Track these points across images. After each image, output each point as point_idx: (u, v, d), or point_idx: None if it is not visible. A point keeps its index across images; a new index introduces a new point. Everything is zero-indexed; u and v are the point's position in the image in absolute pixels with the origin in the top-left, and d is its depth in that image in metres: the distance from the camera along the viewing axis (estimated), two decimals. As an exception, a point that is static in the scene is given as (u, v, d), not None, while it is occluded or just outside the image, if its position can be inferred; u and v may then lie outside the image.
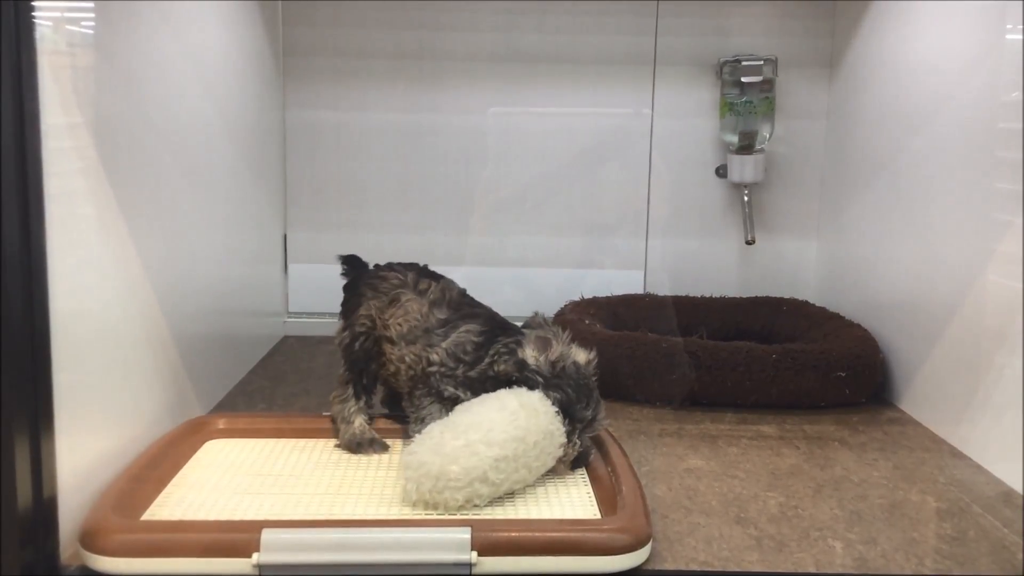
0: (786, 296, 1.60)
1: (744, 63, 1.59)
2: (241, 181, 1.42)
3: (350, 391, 1.08)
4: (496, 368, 0.99)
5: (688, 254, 1.69)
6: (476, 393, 0.99)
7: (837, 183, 1.60)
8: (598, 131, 1.67)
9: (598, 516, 0.88)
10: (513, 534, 0.81)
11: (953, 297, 1.16)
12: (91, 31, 0.89)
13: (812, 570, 0.84)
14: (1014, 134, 1.03)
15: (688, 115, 1.66)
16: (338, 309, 1.68)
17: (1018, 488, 1.02)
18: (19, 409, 0.74)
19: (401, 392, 1.07)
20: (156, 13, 1.06)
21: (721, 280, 1.68)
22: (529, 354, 0.98)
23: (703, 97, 1.65)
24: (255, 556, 0.77)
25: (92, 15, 0.90)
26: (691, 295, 1.62)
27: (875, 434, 1.20)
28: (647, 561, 0.82)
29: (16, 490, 0.74)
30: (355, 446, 1.04)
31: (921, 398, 1.25)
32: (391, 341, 1.05)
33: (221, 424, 1.09)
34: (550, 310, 1.51)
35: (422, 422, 0.98)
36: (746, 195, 1.63)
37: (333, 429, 1.08)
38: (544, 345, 0.98)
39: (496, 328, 1.03)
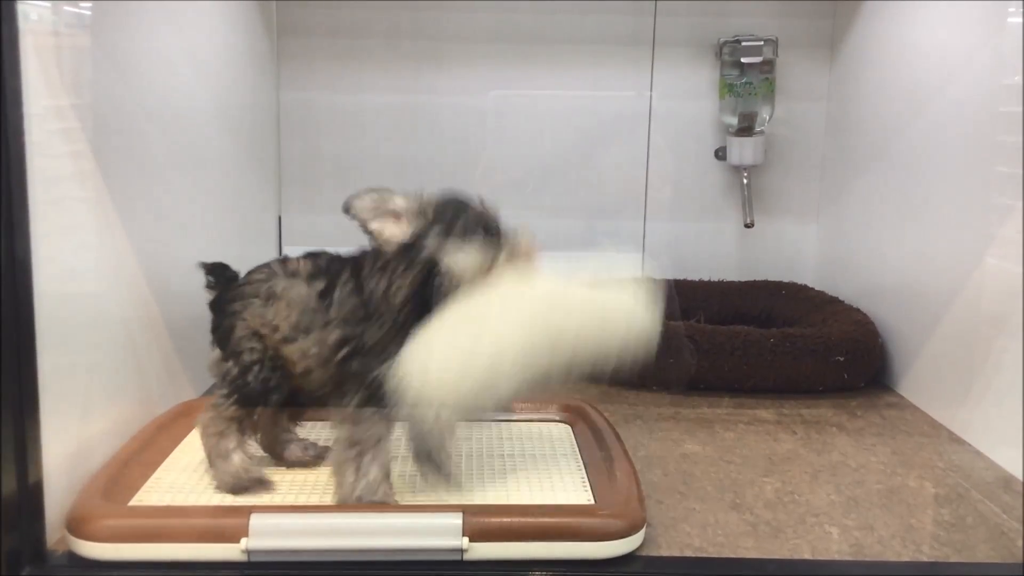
0: (785, 280, 1.59)
1: (744, 43, 1.57)
2: (235, 163, 1.40)
3: (233, 427, 0.89)
4: (394, 301, 0.84)
5: (687, 237, 1.68)
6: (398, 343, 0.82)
7: (837, 166, 1.58)
8: (597, 113, 1.66)
9: (592, 502, 0.87)
10: (505, 520, 0.80)
11: (953, 281, 1.15)
12: (88, 11, 0.88)
13: (808, 556, 0.83)
14: (1015, 118, 1.02)
15: (687, 96, 1.64)
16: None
17: (1017, 474, 1.01)
18: (4, 392, 0.73)
19: (319, 396, 0.90)
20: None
21: (720, 263, 1.66)
22: (386, 237, 0.84)
23: (703, 78, 1.63)
24: (244, 541, 0.77)
25: (88, -2, 0.89)
26: (690, 279, 1.61)
27: (873, 419, 1.19)
28: (641, 547, 0.81)
29: (1, 475, 0.73)
30: (238, 488, 0.89)
31: (920, 383, 1.24)
32: (288, 340, 0.88)
33: (212, 408, 1.08)
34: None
35: (353, 438, 0.85)
36: (745, 178, 1.62)
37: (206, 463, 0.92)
38: (386, 224, 0.85)
39: (359, 264, 0.88)
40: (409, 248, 0.85)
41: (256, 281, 0.91)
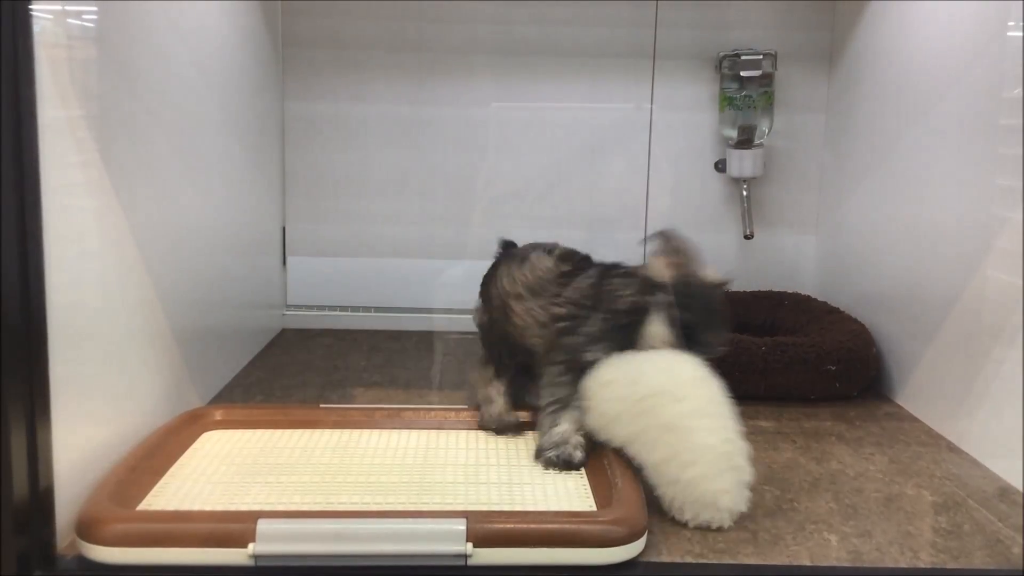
0: (785, 290, 1.60)
1: (743, 57, 1.59)
2: (240, 173, 1.42)
3: (491, 371, 1.09)
4: (619, 305, 1.00)
5: (687, 248, 1.69)
6: (609, 346, 0.98)
7: (836, 177, 1.60)
8: (598, 125, 1.67)
9: (594, 508, 0.88)
10: (509, 525, 0.81)
11: (951, 292, 1.16)
12: (92, 24, 0.89)
13: (807, 563, 0.84)
14: (1014, 131, 1.03)
15: (687, 109, 1.66)
16: (338, 302, 1.69)
17: (1013, 483, 1.02)
18: (16, 399, 0.74)
19: (530, 361, 1.07)
20: (156, 6, 1.06)
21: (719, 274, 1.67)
22: (655, 269, 0.99)
23: (702, 91, 1.65)
24: (251, 546, 0.78)
25: (94, 8, 0.90)
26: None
27: (872, 429, 1.20)
28: (642, 553, 0.82)
29: (12, 480, 0.74)
30: (499, 428, 1.06)
31: (918, 393, 1.25)
32: (518, 296, 1.06)
33: (218, 415, 1.09)
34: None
35: (553, 397, 1.00)
36: (745, 189, 1.63)
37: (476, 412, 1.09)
38: (672, 260, 0.99)
39: (612, 268, 1.04)
40: (651, 282, 0.99)
41: (523, 248, 1.12)
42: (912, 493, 1.00)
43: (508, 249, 1.16)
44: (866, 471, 1.05)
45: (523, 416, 1.09)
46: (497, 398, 1.08)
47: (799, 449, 1.12)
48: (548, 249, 1.09)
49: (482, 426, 1.07)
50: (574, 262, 1.07)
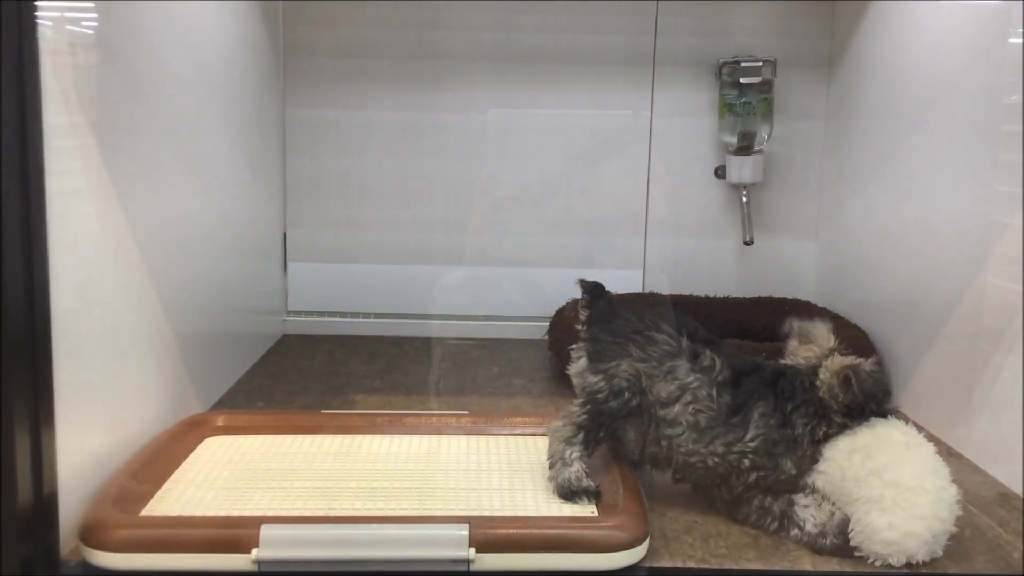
0: (785, 296, 1.61)
1: (743, 64, 1.60)
2: (242, 180, 1.42)
3: (579, 436, 0.94)
4: (816, 438, 0.89)
5: (687, 254, 1.70)
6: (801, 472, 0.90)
7: (836, 183, 1.60)
8: (597, 131, 1.68)
9: (595, 513, 0.88)
10: (511, 531, 0.81)
11: (951, 298, 1.16)
12: (92, 31, 0.90)
13: (808, 568, 0.84)
14: (1013, 136, 1.04)
15: (687, 115, 1.66)
16: (338, 308, 1.70)
17: (1013, 488, 1.02)
18: (20, 405, 0.75)
19: (671, 470, 0.95)
20: (159, 13, 1.06)
21: (720, 280, 1.68)
22: (830, 397, 0.89)
23: (702, 98, 1.65)
24: (254, 552, 0.78)
25: (93, 15, 0.90)
26: (694, 294, 1.62)
27: (872, 434, 1.20)
28: (644, 558, 0.83)
29: (16, 485, 0.74)
30: (568, 493, 0.91)
31: (918, 399, 1.26)
32: (671, 424, 0.92)
33: (220, 421, 1.09)
34: (549, 309, 1.51)
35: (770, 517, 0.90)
36: (745, 196, 1.64)
37: (548, 462, 0.95)
38: (844, 381, 0.88)
39: (778, 392, 0.91)
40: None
41: (659, 344, 0.94)
42: (913, 498, 1.00)
43: (601, 297, 1.00)
44: (867, 476, 1.05)
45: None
46: (573, 462, 0.93)
47: (800, 454, 1.12)
48: (701, 366, 0.92)
49: (554, 489, 0.93)
50: (732, 383, 0.91)
